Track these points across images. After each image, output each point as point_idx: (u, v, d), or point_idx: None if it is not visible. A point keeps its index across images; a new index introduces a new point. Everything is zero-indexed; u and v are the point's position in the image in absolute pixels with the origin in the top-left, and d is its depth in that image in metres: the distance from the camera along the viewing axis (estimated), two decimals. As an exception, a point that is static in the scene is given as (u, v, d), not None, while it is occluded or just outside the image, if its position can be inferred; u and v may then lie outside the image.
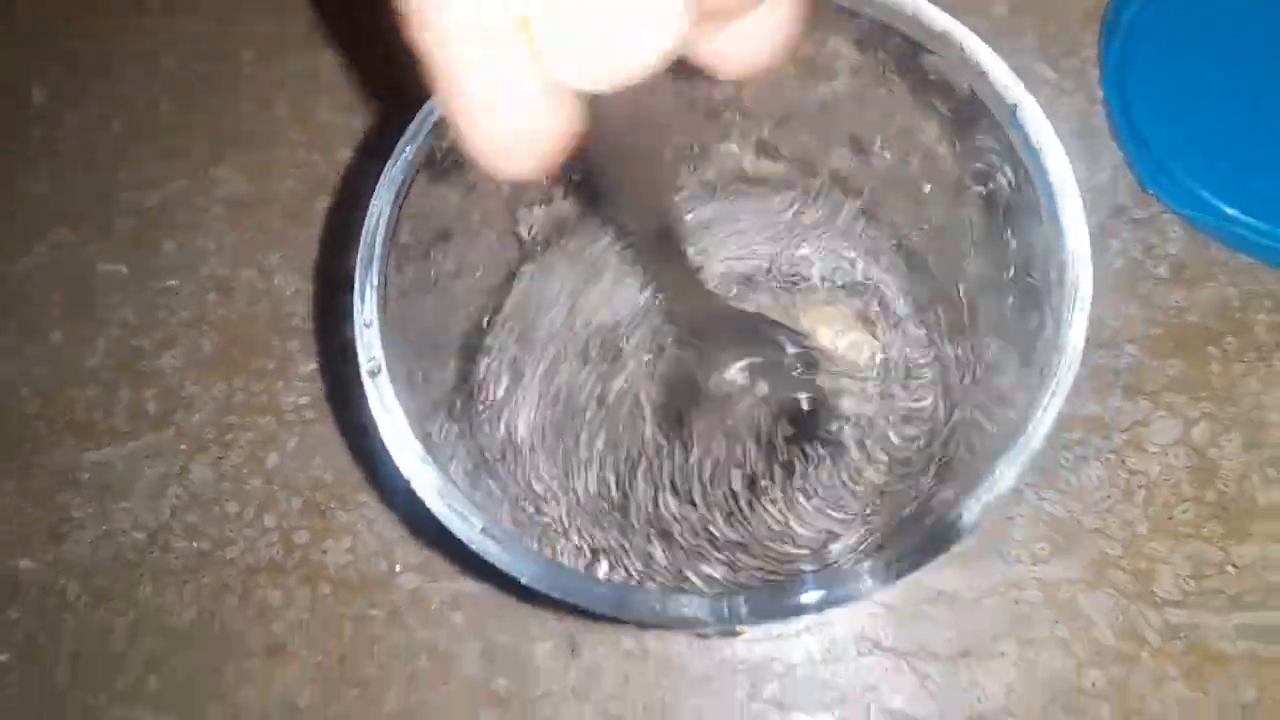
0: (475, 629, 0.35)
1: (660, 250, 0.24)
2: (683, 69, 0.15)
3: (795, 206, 0.32)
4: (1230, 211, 0.35)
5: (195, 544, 0.37)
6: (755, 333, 0.31)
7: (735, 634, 0.33)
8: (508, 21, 0.13)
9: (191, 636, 0.36)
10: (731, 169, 0.31)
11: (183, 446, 0.39)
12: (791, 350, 0.32)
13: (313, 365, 0.39)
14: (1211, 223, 0.35)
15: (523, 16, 0.13)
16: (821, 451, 0.31)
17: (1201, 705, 0.32)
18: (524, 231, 0.31)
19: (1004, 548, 0.34)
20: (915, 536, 0.20)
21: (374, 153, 0.42)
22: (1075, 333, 0.20)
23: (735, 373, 0.30)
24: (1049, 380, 0.20)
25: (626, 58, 0.13)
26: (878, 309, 0.33)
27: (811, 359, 0.32)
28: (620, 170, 0.20)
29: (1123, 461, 0.34)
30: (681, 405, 0.31)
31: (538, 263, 0.32)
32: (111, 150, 0.44)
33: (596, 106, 0.14)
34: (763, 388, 0.30)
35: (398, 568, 0.36)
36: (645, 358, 0.33)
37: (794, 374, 0.31)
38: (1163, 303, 0.36)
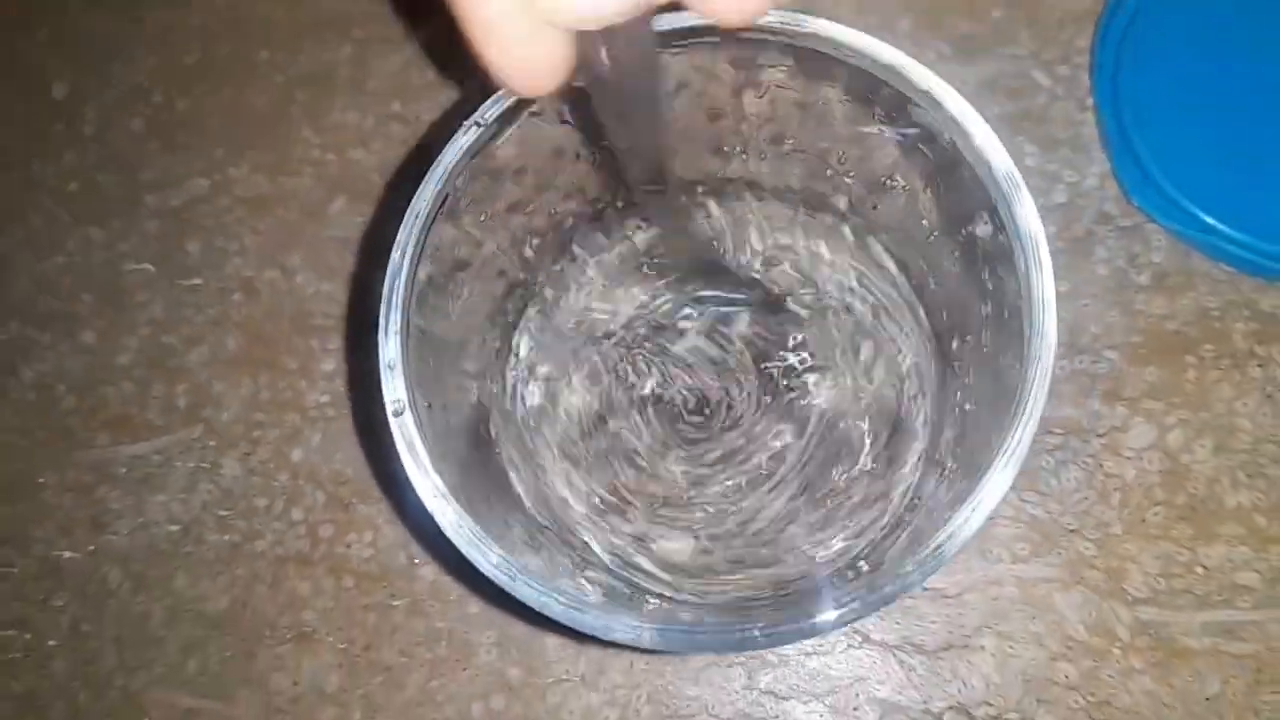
0: (491, 619, 0.38)
1: (650, 183, 0.26)
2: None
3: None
4: (1211, 222, 0.36)
5: (226, 536, 0.40)
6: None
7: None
8: None
9: (225, 623, 0.39)
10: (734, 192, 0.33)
11: (212, 442, 0.41)
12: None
13: (332, 364, 0.41)
14: (1193, 233, 0.37)
15: None
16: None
17: (1167, 697, 0.34)
18: (529, 252, 0.33)
19: (986, 546, 0.36)
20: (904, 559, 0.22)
21: (387, 154, 0.44)
22: (1037, 391, 0.22)
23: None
24: (1007, 444, 0.21)
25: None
26: (874, 323, 0.34)
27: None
28: (622, 108, 0.22)
29: (1100, 465, 0.36)
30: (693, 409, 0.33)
31: (549, 280, 0.34)
32: (133, 148, 0.46)
33: (591, 43, 0.18)
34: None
35: (417, 560, 0.39)
36: (658, 363, 0.34)
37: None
38: (1144, 310, 0.37)
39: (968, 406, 0.28)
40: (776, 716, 0.36)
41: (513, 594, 0.23)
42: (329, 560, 0.39)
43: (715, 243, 0.33)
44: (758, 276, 0.33)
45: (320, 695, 0.38)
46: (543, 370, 0.34)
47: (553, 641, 0.37)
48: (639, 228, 0.34)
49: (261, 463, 0.40)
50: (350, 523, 0.39)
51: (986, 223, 0.25)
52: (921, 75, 0.24)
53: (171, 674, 0.39)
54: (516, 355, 0.34)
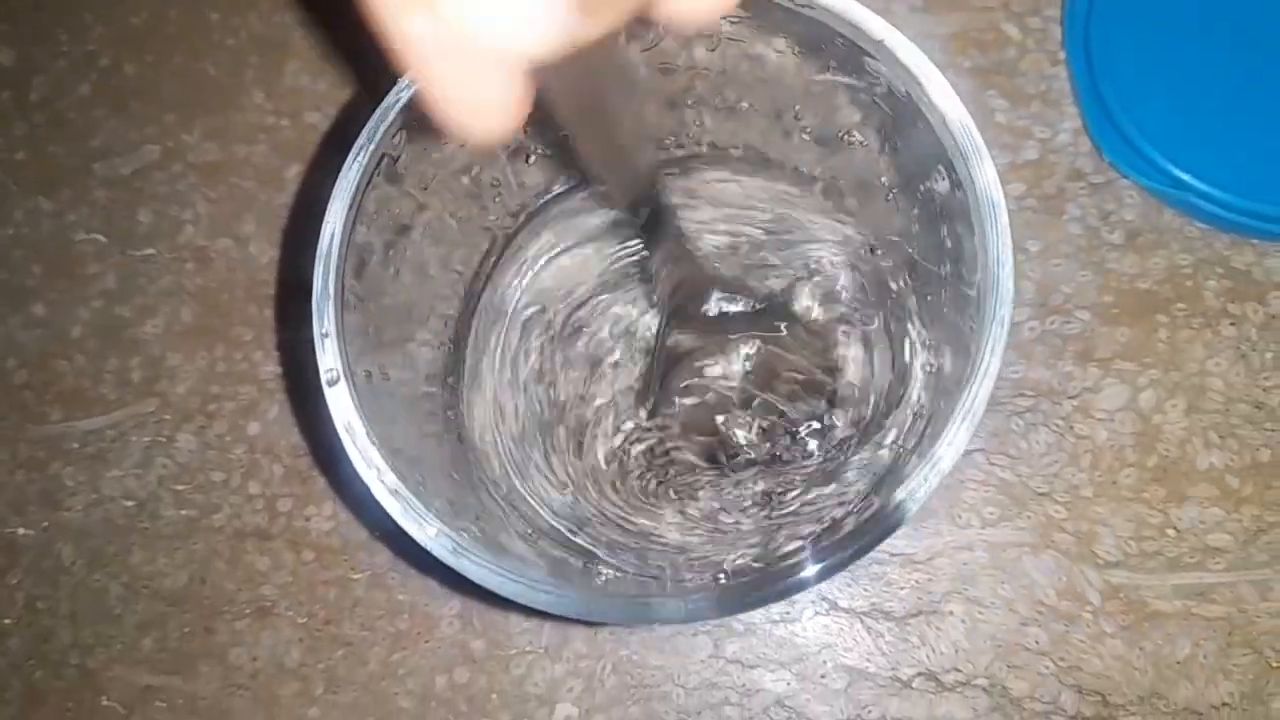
0: (453, 592, 0.37)
1: (645, 213, 0.24)
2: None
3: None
4: (1184, 178, 0.35)
5: (183, 511, 0.39)
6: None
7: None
8: None
9: (183, 599, 0.38)
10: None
11: (168, 416, 0.40)
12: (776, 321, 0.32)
13: (288, 334, 0.40)
14: (1166, 189, 0.36)
15: None
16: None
17: (1138, 661, 0.34)
18: (493, 220, 0.32)
19: (955, 511, 0.35)
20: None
21: (341, 119, 0.43)
22: (993, 356, 0.21)
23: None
24: (961, 409, 0.21)
25: (525, 33, 0.14)
26: (841, 287, 0.33)
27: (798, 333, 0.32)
28: (590, 136, 0.20)
29: (1071, 427, 0.35)
30: (656, 387, 0.32)
31: (509, 249, 0.33)
32: (81, 115, 0.44)
33: (549, 74, 0.15)
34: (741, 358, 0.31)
35: (377, 533, 0.38)
36: (621, 343, 0.33)
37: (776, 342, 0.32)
38: (1116, 269, 0.37)
39: (929, 367, 0.27)
40: (743, 685, 0.35)
41: (458, 571, 0.22)
42: (288, 534, 0.38)
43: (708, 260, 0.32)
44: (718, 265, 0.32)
45: (281, 670, 0.37)
46: (500, 342, 0.33)
47: (516, 613, 0.36)
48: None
49: (218, 436, 0.40)
50: (309, 496, 0.39)
51: (943, 178, 0.24)
52: (876, 25, 0.23)
53: (129, 651, 0.38)
54: (472, 326, 0.33)
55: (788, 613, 0.35)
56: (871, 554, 0.35)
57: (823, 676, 0.35)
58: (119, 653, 0.38)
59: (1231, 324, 0.36)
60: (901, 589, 0.35)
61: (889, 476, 0.26)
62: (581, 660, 0.36)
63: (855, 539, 0.21)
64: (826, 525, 0.28)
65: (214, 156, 0.43)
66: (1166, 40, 0.37)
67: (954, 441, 0.21)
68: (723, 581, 0.26)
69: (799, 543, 0.28)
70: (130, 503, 0.39)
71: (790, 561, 0.21)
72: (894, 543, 0.35)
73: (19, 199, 0.43)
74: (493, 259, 0.33)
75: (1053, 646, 0.34)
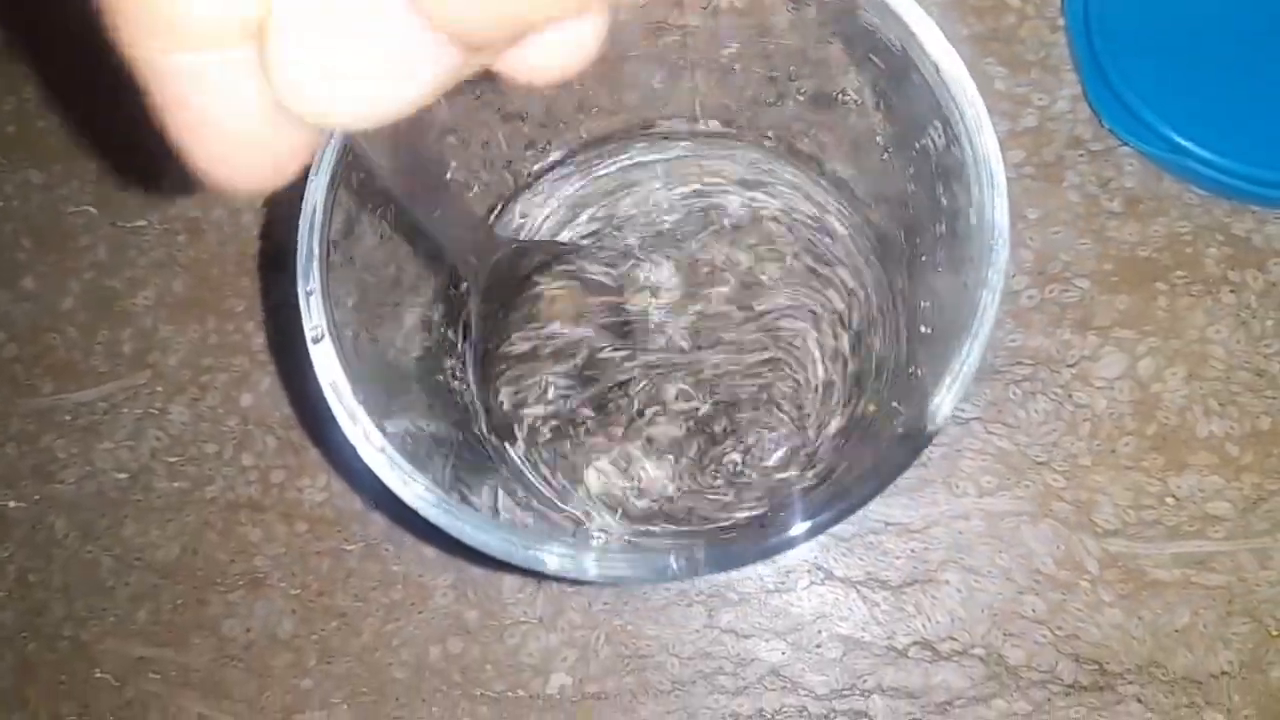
0: (447, 562, 0.37)
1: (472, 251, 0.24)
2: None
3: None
4: (1183, 143, 0.35)
5: (176, 483, 0.39)
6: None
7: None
8: (235, 23, 0.11)
9: (176, 571, 0.38)
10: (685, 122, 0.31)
11: (160, 388, 0.40)
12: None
13: (278, 305, 0.40)
14: (1165, 155, 0.36)
15: (257, 20, 0.11)
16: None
17: (1136, 630, 0.33)
18: (487, 184, 0.32)
19: (952, 480, 0.35)
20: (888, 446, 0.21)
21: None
22: (988, 314, 0.20)
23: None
24: (953, 365, 0.20)
25: (368, 103, 0.11)
26: (827, 241, 0.33)
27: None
28: (396, 180, 0.19)
29: (1070, 395, 0.35)
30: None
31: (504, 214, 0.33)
32: (71, 86, 0.44)
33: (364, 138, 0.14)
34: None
35: (371, 504, 0.38)
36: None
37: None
38: (1115, 237, 0.36)
39: (924, 330, 0.27)
40: (738, 655, 0.35)
41: (442, 528, 0.22)
42: (281, 505, 0.38)
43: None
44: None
45: (273, 641, 0.37)
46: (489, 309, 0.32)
47: (510, 583, 0.36)
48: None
49: (210, 408, 0.39)
50: (302, 467, 0.38)
51: (939, 133, 0.23)
52: (868, -25, 0.23)
53: (122, 623, 0.38)
54: (460, 289, 0.33)
55: (783, 582, 0.35)
56: (867, 523, 0.35)
57: (818, 646, 0.35)
58: (112, 625, 0.38)
59: (1232, 291, 0.35)
60: (897, 558, 0.35)
61: (879, 437, 0.26)
62: (576, 630, 0.36)
63: (844, 496, 0.21)
64: (817, 483, 0.27)
65: (206, 127, 0.42)
66: (1165, 6, 0.37)
67: (943, 405, 0.21)
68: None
69: (789, 499, 0.27)
70: (122, 475, 0.39)
71: (780, 517, 0.21)
72: (890, 511, 0.35)
73: (9, 172, 0.43)
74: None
75: (1050, 615, 0.34)
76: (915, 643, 0.34)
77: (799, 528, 0.21)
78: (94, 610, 0.38)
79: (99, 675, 0.38)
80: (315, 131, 0.13)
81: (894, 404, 0.27)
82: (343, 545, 0.37)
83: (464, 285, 0.31)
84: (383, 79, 0.11)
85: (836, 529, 0.35)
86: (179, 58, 0.12)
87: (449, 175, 0.19)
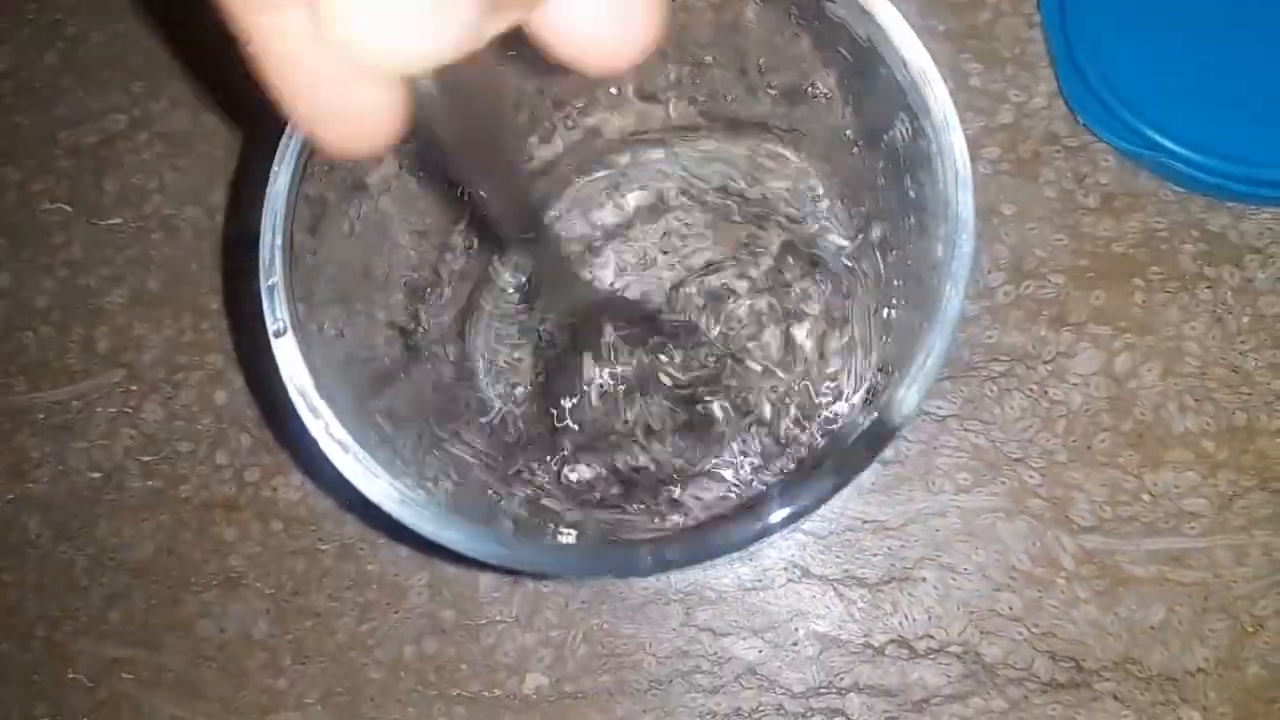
0: (422, 561, 0.37)
1: (521, 231, 0.24)
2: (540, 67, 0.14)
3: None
4: (1158, 139, 0.35)
5: (150, 482, 0.39)
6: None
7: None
8: None
9: (150, 571, 0.38)
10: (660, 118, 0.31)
11: (134, 386, 0.40)
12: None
13: (254, 304, 0.39)
14: (1141, 151, 0.35)
15: None
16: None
17: (1112, 627, 0.33)
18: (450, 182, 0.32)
19: (929, 477, 0.35)
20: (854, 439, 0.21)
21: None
22: (950, 305, 0.20)
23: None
24: (916, 360, 0.20)
25: (415, 42, 0.12)
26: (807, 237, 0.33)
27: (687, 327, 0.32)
28: (462, 154, 0.19)
29: (1045, 392, 0.35)
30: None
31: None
32: (49, 84, 0.44)
33: (421, 87, 0.14)
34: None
35: (345, 503, 0.37)
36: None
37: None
38: (1091, 233, 0.36)
39: (893, 319, 0.27)
40: (715, 653, 0.35)
41: (403, 523, 0.22)
42: (256, 504, 0.38)
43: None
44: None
45: (248, 641, 0.37)
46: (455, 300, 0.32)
47: (486, 582, 0.36)
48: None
49: (185, 406, 0.39)
50: (277, 466, 0.38)
51: (905, 124, 0.23)
52: (835, -33, 0.23)
53: (95, 623, 0.37)
54: (438, 286, 0.32)
55: (760, 580, 0.35)
56: (844, 520, 0.35)
57: (794, 644, 0.34)
58: (85, 625, 0.38)
59: (1207, 287, 0.35)
60: (874, 555, 0.35)
61: (847, 429, 0.26)
62: (552, 630, 0.35)
63: (800, 493, 0.20)
64: (790, 473, 0.27)
65: (183, 126, 0.42)
66: (1140, 4, 0.37)
67: (906, 400, 0.21)
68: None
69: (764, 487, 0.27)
70: (96, 474, 0.39)
71: (755, 505, 0.20)
72: (867, 509, 0.35)
73: (-17, 169, 0.43)
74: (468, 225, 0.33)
75: (1026, 612, 0.34)
76: (892, 640, 0.34)
77: (746, 528, 0.20)
78: (67, 610, 0.38)
79: (72, 676, 0.37)
80: (389, 91, 0.14)
81: (866, 396, 0.27)
82: (318, 544, 0.37)
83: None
84: (424, 16, 0.12)
85: (812, 526, 0.35)
86: (261, 18, 0.13)
87: (506, 153, 0.19)
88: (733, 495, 0.30)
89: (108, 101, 0.43)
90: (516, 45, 0.14)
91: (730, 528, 0.20)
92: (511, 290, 0.33)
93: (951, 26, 0.39)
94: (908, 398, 0.21)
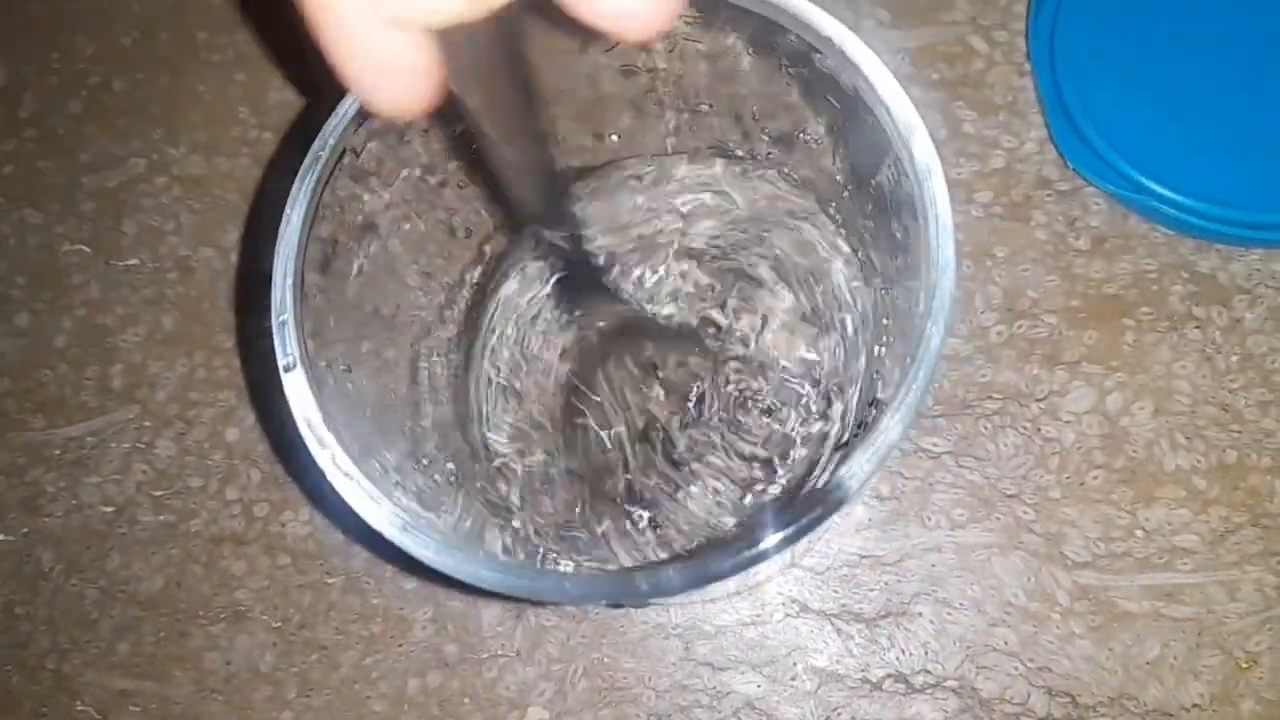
0: (427, 595, 0.37)
1: (553, 223, 0.24)
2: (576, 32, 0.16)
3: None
4: (1147, 184, 0.36)
5: (161, 517, 0.39)
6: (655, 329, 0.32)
7: (646, 603, 0.35)
8: None
9: (159, 604, 0.38)
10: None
11: (147, 423, 0.41)
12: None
13: (267, 342, 0.40)
14: (1130, 195, 0.36)
15: None
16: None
17: (1107, 662, 0.34)
18: (461, 221, 0.33)
19: (924, 513, 0.35)
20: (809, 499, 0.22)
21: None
22: (933, 339, 0.21)
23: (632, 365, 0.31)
24: (899, 395, 0.21)
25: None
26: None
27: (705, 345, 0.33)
28: (494, 128, 0.20)
29: (1039, 429, 0.36)
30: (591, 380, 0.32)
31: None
32: (71, 131, 0.45)
33: (450, 45, 0.16)
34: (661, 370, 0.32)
35: (353, 537, 0.38)
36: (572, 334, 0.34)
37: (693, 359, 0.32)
38: (1082, 274, 0.37)
39: (881, 352, 0.28)
40: (714, 687, 0.35)
41: (408, 551, 0.22)
42: (264, 539, 0.39)
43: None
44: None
45: (254, 674, 0.37)
46: (470, 338, 0.33)
47: (489, 616, 0.37)
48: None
49: (196, 442, 0.40)
50: (285, 501, 0.39)
51: (892, 171, 0.24)
52: (822, 21, 0.24)
53: (104, 655, 0.38)
54: (448, 326, 0.33)
55: (758, 615, 0.36)
56: (842, 555, 0.35)
57: (793, 679, 0.35)
58: (94, 657, 0.38)
59: (1197, 327, 0.36)
60: (871, 590, 0.35)
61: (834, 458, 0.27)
62: (553, 664, 0.36)
63: (799, 516, 0.21)
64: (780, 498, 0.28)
65: (198, 170, 0.44)
66: (1129, 51, 0.38)
67: (889, 428, 0.21)
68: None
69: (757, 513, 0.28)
70: (109, 508, 0.40)
71: (748, 530, 0.21)
72: (864, 544, 0.35)
73: (7, 212, 0.44)
74: (478, 270, 0.34)
75: (1022, 648, 0.34)
76: (889, 675, 0.34)
77: (740, 553, 0.21)
78: (77, 642, 0.38)
79: (80, 708, 0.38)
80: (426, 50, 0.15)
81: (856, 431, 0.28)
82: (324, 578, 0.38)
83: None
84: None
85: (810, 561, 0.35)
86: None
87: (540, 131, 0.20)
88: (727, 525, 0.31)
89: (128, 147, 0.44)
90: (548, 9, 0.15)
91: (723, 554, 0.21)
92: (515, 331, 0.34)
93: (945, 75, 0.40)
94: (892, 426, 0.21)
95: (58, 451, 0.41)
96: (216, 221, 0.43)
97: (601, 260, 0.32)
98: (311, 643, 0.37)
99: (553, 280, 0.33)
